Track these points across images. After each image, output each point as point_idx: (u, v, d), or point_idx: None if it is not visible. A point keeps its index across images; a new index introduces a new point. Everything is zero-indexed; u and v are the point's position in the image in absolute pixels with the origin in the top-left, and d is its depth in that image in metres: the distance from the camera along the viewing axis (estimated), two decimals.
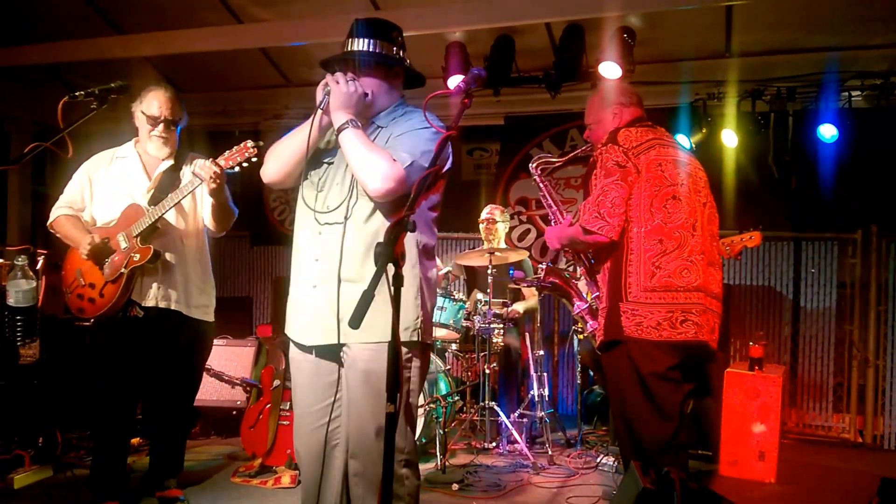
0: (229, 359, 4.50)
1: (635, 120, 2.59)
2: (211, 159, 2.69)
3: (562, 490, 3.45)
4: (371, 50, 2.09)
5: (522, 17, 4.19)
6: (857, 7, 4.05)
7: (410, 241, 2.02)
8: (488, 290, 4.14)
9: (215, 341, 4.56)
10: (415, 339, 2.03)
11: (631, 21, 4.23)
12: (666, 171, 2.40)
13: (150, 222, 2.76)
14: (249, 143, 2.62)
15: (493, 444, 4.07)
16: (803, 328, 4.94)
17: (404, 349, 2.02)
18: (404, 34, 2.23)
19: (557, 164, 3.06)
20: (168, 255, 2.86)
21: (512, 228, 5.31)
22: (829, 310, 4.87)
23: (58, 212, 2.95)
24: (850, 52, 4.32)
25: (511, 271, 4.22)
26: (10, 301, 3.04)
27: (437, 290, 4.30)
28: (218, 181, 2.69)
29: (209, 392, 4.41)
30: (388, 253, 1.55)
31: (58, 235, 2.97)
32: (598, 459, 3.90)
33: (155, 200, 2.83)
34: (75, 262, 2.94)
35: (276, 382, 3.85)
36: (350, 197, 2.05)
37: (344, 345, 2.03)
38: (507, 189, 5.62)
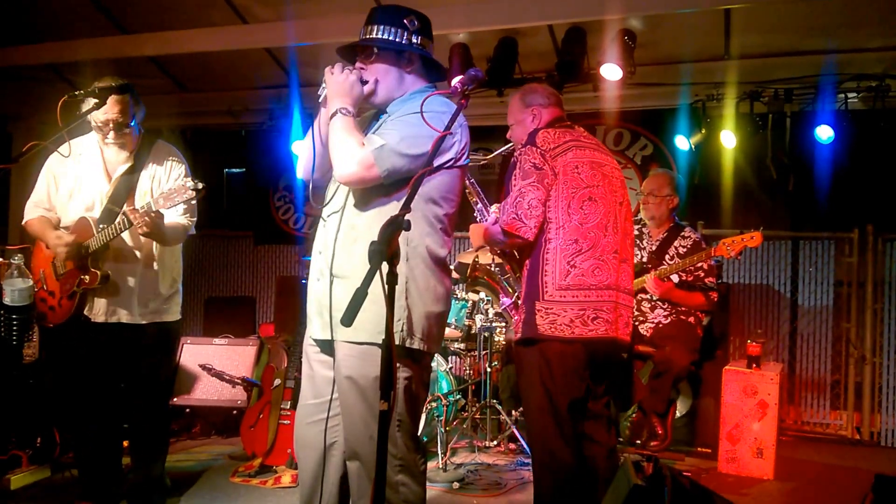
0: (231, 358, 4.51)
1: (554, 120, 2.62)
2: (144, 208, 2.62)
3: None
4: (375, 36, 2.03)
5: (525, 20, 4.21)
6: (853, 11, 4.08)
7: (401, 239, 1.90)
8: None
9: (216, 340, 4.63)
10: (396, 342, 1.91)
11: (632, 24, 4.26)
12: (582, 174, 2.44)
13: (98, 245, 2.74)
14: (189, 185, 2.58)
15: (495, 442, 4.09)
16: (801, 326, 4.98)
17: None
18: None
19: (484, 162, 3.15)
20: (120, 272, 2.82)
21: None
22: (827, 308, 4.92)
23: (30, 213, 2.92)
24: (846, 54, 4.36)
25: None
26: (6, 300, 3.04)
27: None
28: (150, 227, 2.63)
29: (209, 391, 4.43)
30: (382, 251, 1.54)
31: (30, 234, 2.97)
32: None
33: (108, 213, 2.79)
34: (39, 263, 2.94)
35: (277, 382, 3.86)
36: (346, 191, 2.04)
37: (335, 341, 2.02)
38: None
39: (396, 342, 1.94)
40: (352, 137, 1.94)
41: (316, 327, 2.08)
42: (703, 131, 4.77)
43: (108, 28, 4.85)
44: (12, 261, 3.07)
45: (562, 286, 2.38)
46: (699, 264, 3.79)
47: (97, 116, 2.76)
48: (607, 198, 2.48)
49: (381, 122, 2.07)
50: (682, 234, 3.98)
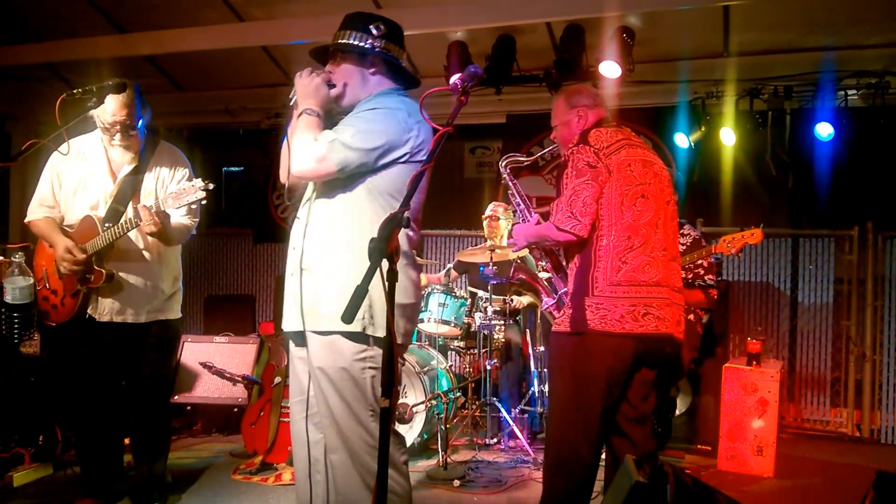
0: (231, 356, 4.52)
1: (600, 121, 2.65)
2: (154, 207, 2.64)
3: None
4: (341, 41, 2.15)
5: (523, 17, 4.21)
6: (852, 7, 4.08)
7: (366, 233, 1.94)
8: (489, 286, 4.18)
9: (216, 338, 4.63)
10: (358, 329, 1.99)
11: (630, 21, 4.26)
12: (635, 171, 2.46)
13: (103, 245, 2.75)
14: (199, 185, 2.59)
15: (495, 439, 4.10)
16: (801, 324, 4.98)
17: (353, 343, 2.01)
18: (407, 33, 2.24)
19: (526, 163, 3.14)
20: (124, 271, 2.83)
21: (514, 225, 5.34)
22: (827, 305, 4.92)
23: (35, 212, 2.92)
24: (846, 51, 4.35)
25: (482, 269, 4.27)
26: (8, 298, 3.04)
27: (437, 287, 4.35)
28: (158, 226, 2.66)
29: (210, 389, 4.43)
30: (381, 249, 1.55)
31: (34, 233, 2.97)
32: None
33: (113, 213, 2.80)
34: (42, 261, 2.94)
35: (277, 379, 3.87)
36: (314, 186, 2.15)
37: (306, 332, 2.09)
38: (505, 187, 5.65)
39: (358, 329, 1.99)
40: (309, 134, 2.04)
41: (288, 319, 2.14)
42: (703, 129, 4.77)
43: (104, 27, 4.85)
44: (13, 259, 3.07)
45: (613, 282, 2.38)
46: (699, 262, 3.79)
47: (104, 118, 2.77)
48: (657, 196, 2.50)
49: (340, 122, 2.14)
50: (682, 231, 3.97)
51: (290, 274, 2.14)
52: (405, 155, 2.06)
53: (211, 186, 2.61)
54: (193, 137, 6.16)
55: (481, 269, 4.28)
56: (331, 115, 2.17)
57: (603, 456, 2.59)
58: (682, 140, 4.91)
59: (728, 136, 4.70)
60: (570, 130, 2.66)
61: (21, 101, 5.62)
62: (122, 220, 2.73)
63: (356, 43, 2.13)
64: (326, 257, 2.06)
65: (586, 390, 2.40)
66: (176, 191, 2.66)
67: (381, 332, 2.03)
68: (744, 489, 3.46)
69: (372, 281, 1.91)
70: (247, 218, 6.46)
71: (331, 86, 2.13)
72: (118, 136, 2.81)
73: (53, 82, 5.36)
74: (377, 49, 2.14)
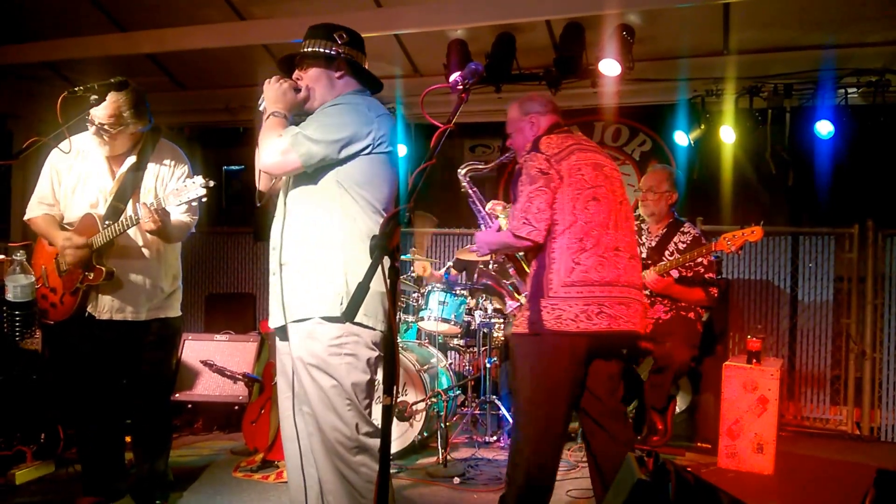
0: (232, 354, 4.53)
1: (553, 126, 2.73)
2: (155, 205, 2.64)
3: (561, 483, 3.47)
4: (306, 49, 2.31)
5: (523, 15, 4.21)
6: (852, 5, 4.08)
7: (340, 222, 2.15)
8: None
9: (217, 337, 4.64)
10: (335, 313, 2.08)
11: (630, 19, 4.26)
12: (586, 175, 2.55)
13: (103, 242, 2.75)
14: (200, 182, 2.59)
15: (495, 437, 4.10)
16: (801, 322, 4.98)
17: (329, 328, 2.09)
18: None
19: (485, 170, 3.23)
20: (123, 268, 2.83)
21: None
22: (827, 303, 4.92)
23: (34, 210, 2.93)
24: (846, 49, 4.35)
25: (446, 276, 4.29)
26: (9, 296, 3.04)
27: (437, 285, 4.35)
28: (158, 224, 2.66)
29: (211, 387, 4.45)
30: (383, 245, 1.58)
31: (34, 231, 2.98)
32: None
33: (113, 210, 2.80)
34: (40, 260, 2.95)
35: None
36: (288, 185, 2.26)
37: (288, 325, 2.18)
38: (508, 185, 5.66)
39: (336, 314, 2.08)
40: (274, 131, 2.17)
41: (272, 316, 2.24)
42: (703, 127, 4.77)
43: (105, 26, 4.85)
44: (14, 257, 3.08)
45: (566, 283, 2.45)
46: (699, 260, 3.79)
47: (96, 112, 2.75)
48: (609, 197, 2.57)
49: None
50: (682, 229, 3.98)
51: (272, 273, 2.23)
52: (368, 147, 2.18)
53: (212, 184, 2.62)
54: (194, 136, 6.17)
55: (445, 275, 4.33)
56: (299, 119, 2.29)
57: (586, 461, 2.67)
58: (681, 138, 4.92)
59: (728, 135, 4.70)
60: (524, 137, 2.75)
61: (23, 99, 5.62)
62: (122, 218, 2.74)
63: (322, 50, 2.29)
64: (303, 250, 2.16)
65: (547, 390, 2.48)
66: (177, 188, 2.67)
67: (358, 318, 2.10)
68: (744, 487, 3.46)
69: (342, 267, 2.09)
70: (247, 216, 6.47)
71: (297, 90, 2.28)
72: (106, 136, 2.79)
73: (55, 81, 5.37)
74: (342, 54, 2.30)
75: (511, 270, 2.90)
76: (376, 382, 2.24)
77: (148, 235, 2.84)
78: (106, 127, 2.75)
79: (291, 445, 2.26)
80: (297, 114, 2.31)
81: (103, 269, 2.77)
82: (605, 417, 2.58)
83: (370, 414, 2.19)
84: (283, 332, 2.24)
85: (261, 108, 2.29)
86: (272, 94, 2.25)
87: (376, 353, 2.18)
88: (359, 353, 2.13)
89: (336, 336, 2.10)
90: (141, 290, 2.87)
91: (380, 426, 1.67)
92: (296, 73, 2.34)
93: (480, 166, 3.16)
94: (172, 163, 2.96)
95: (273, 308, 2.24)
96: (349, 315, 1.59)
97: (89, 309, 2.83)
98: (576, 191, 2.51)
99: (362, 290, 1.57)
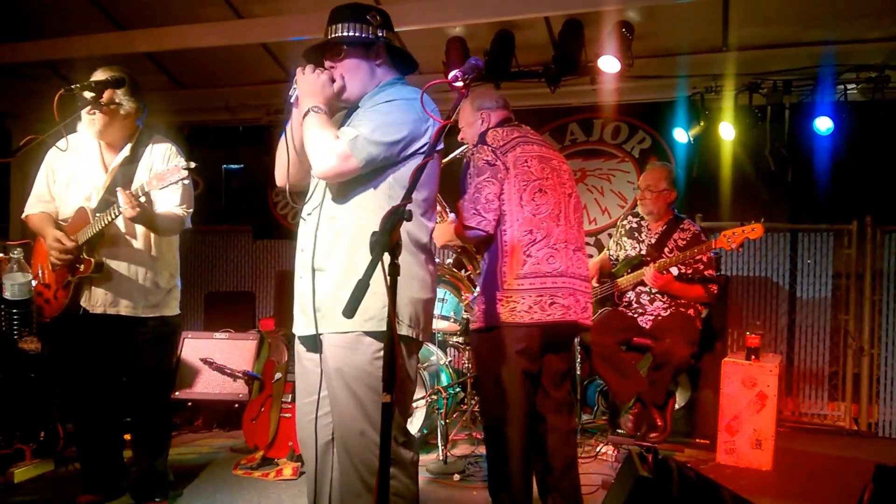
0: (232, 352, 4.54)
1: (503, 121, 2.79)
2: (136, 191, 2.61)
3: None
4: (342, 34, 2.06)
5: (522, 12, 4.21)
6: (852, 1, 4.08)
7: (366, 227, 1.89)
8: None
9: (217, 335, 4.64)
10: (381, 328, 1.92)
11: (629, 16, 4.25)
12: (532, 167, 2.59)
13: (93, 232, 2.74)
14: (181, 164, 2.57)
15: None
16: (799, 318, 4.99)
17: (371, 340, 1.96)
18: (405, 28, 2.24)
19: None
20: (116, 261, 2.82)
21: None
22: (825, 300, 4.93)
23: (31, 208, 2.93)
24: (845, 45, 4.35)
25: None
26: (6, 294, 3.05)
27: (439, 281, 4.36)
28: (136, 209, 2.59)
29: (211, 385, 4.45)
30: (384, 242, 1.55)
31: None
32: (598, 448, 3.95)
33: (105, 203, 2.79)
34: (39, 258, 2.95)
35: (278, 375, 3.89)
36: (324, 185, 2.06)
37: (321, 335, 2.03)
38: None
39: (381, 328, 1.92)
40: (327, 132, 1.96)
41: (300, 324, 2.09)
42: (702, 124, 4.77)
43: (103, 24, 4.84)
44: (12, 255, 3.08)
45: (519, 275, 2.51)
46: (698, 257, 3.80)
47: (83, 93, 2.71)
48: (556, 190, 2.63)
49: (355, 116, 2.08)
50: (682, 226, 3.98)
51: (300, 276, 2.08)
52: (426, 144, 2.02)
53: (192, 165, 2.57)
54: (193, 135, 6.16)
55: None
56: (333, 112, 2.11)
57: None
58: (680, 135, 4.92)
59: (727, 131, 4.70)
60: (475, 131, 2.81)
61: (21, 98, 5.62)
62: (110, 208, 2.70)
63: (360, 35, 2.05)
64: (342, 257, 1.98)
65: (506, 381, 2.54)
66: (159, 172, 2.62)
67: (405, 330, 2.01)
68: (742, 482, 3.48)
69: (403, 283, 1.85)
70: (247, 215, 6.47)
71: (332, 81, 2.07)
72: (97, 113, 2.73)
73: (53, 80, 5.36)
74: (381, 38, 2.09)
75: (469, 267, 2.97)
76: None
77: (139, 228, 2.82)
78: (101, 101, 2.70)
79: (310, 451, 2.15)
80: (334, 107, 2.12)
81: (92, 260, 2.75)
82: (548, 409, 2.67)
83: (406, 422, 2.12)
84: (309, 340, 2.10)
85: (291, 101, 2.08)
86: (309, 86, 2.02)
87: (430, 368, 2.12)
88: (401, 365, 2.01)
89: (379, 348, 1.95)
90: (134, 284, 2.85)
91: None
92: (328, 62, 2.11)
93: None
94: (166, 155, 2.92)
95: (300, 314, 2.08)
96: (349, 312, 1.53)
97: (83, 303, 2.81)
98: (522, 182, 2.55)
99: (362, 287, 1.53)
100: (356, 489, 2.00)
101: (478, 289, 2.74)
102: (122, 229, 2.84)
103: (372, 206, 1.98)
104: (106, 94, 2.72)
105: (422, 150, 2.02)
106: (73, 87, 2.59)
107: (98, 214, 2.75)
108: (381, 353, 1.93)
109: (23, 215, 2.96)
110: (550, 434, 2.67)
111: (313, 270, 2.03)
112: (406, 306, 2.02)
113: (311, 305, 2.02)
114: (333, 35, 2.08)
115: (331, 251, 2.01)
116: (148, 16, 4.73)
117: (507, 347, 2.52)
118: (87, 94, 2.64)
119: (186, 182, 2.64)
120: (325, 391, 2.07)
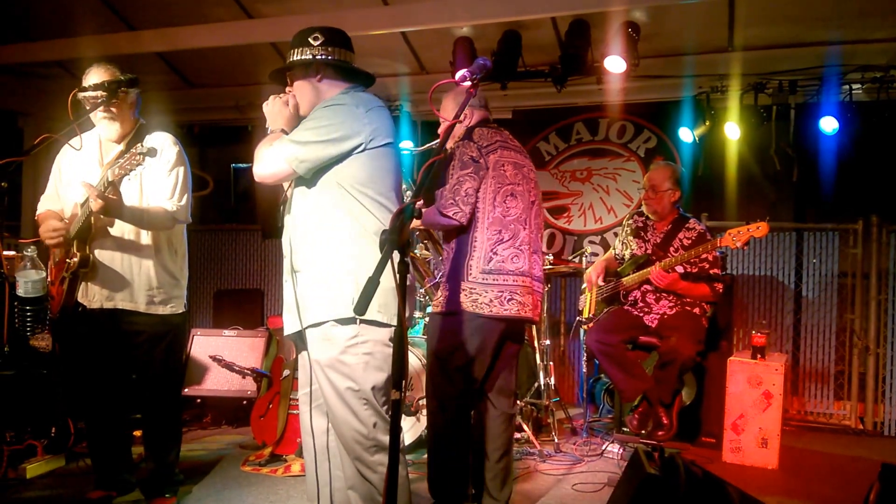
0: (240, 349, 4.58)
1: (483, 121, 2.93)
2: (89, 183, 2.60)
3: (567, 477, 3.51)
4: (290, 60, 2.29)
5: (529, 12, 4.23)
6: (857, 2, 4.09)
7: (348, 220, 2.13)
8: None
9: (226, 332, 4.68)
10: (348, 314, 2.06)
11: (635, 16, 4.28)
12: (507, 171, 2.75)
13: (78, 226, 2.74)
14: (139, 150, 2.54)
15: None
16: (805, 317, 5.00)
17: (344, 329, 2.10)
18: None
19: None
20: (109, 256, 2.81)
21: None
22: (831, 299, 4.93)
23: (41, 206, 2.95)
24: (850, 45, 4.36)
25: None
26: (20, 292, 3.07)
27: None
28: (99, 200, 2.53)
29: (220, 382, 4.49)
30: (394, 240, 1.60)
31: None
32: (604, 447, 3.96)
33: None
34: (50, 260, 2.99)
35: (286, 372, 3.91)
36: (292, 193, 2.26)
37: (304, 330, 2.18)
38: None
39: (349, 314, 2.06)
40: (267, 143, 2.21)
41: (287, 324, 2.24)
42: (707, 123, 4.78)
43: (115, 24, 4.89)
44: (26, 253, 3.11)
45: (484, 270, 2.68)
46: (704, 255, 3.81)
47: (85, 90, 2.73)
48: (525, 196, 2.80)
49: None
50: (687, 225, 3.99)
51: (285, 280, 2.25)
52: (361, 144, 2.15)
53: (146, 148, 2.53)
54: (203, 134, 6.21)
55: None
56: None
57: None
58: (686, 135, 4.93)
59: (733, 131, 4.71)
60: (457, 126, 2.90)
61: (33, 97, 5.67)
62: (86, 202, 2.67)
63: (297, 58, 2.26)
64: (311, 256, 2.17)
65: (456, 362, 2.69)
66: (121, 162, 2.59)
67: (373, 315, 2.11)
68: (748, 481, 3.48)
69: (353, 266, 2.08)
70: (256, 214, 6.51)
71: (286, 104, 2.29)
72: (101, 108, 2.74)
73: (65, 79, 5.41)
74: (317, 57, 2.26)
75: (430, 249, 3.06)
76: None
77: (132, 236, 2.81)
78: (107, 84, 2.69)
79: (308, 440, 2.30)
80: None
81: (79, 254, 2.76)
82: (494, 391, 2.84)
83: (388, 411, 2.19)
84: (299, 337, 2.23)
85: (269, 131, 2.32)
86: (270, 113, 2.30)
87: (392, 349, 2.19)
88: (375, 352, 2.12)
89: (351, 336, 2.09)
90: (129, 278, 2.82)
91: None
92: (287, 87, 2.36)
93: (411, 149, 3.36)
94: (160, 149, 2.82)
95: (288, 314, 2.22)
96: (360, 309, 1.59)
97: (80, 299, 2.81)
98: (497, 184, 2.72)
99: (372, 284, 1.58)
100: (350, 475, 2.16)
101: (439, 274, 2.83)
102: (116, 223, 2.81)
103: (330, 204, 2.15)
104: (120, 95, 2.75)
105: (358, 149, 2.14)
106: (86, 87, 2.62)
107: (82, 209, 2.76)
108: (355, 340, 2.11)
109: (35, 216, 2.98)
110: (491, 414, 2.83)
111: (293, 273, 2.20)
112: (383, 294, 2.11)
113: (294, 304, 2.18)
114: (287, 61, 2.32)
115: (303, 252, 2.18)
116: (158, 16, 4.78)
117: (464, 333, 2.68)
118: (100, 95, 2.67)
119: (143, 168, 2.59)
120: (314, 382, 2.22)
